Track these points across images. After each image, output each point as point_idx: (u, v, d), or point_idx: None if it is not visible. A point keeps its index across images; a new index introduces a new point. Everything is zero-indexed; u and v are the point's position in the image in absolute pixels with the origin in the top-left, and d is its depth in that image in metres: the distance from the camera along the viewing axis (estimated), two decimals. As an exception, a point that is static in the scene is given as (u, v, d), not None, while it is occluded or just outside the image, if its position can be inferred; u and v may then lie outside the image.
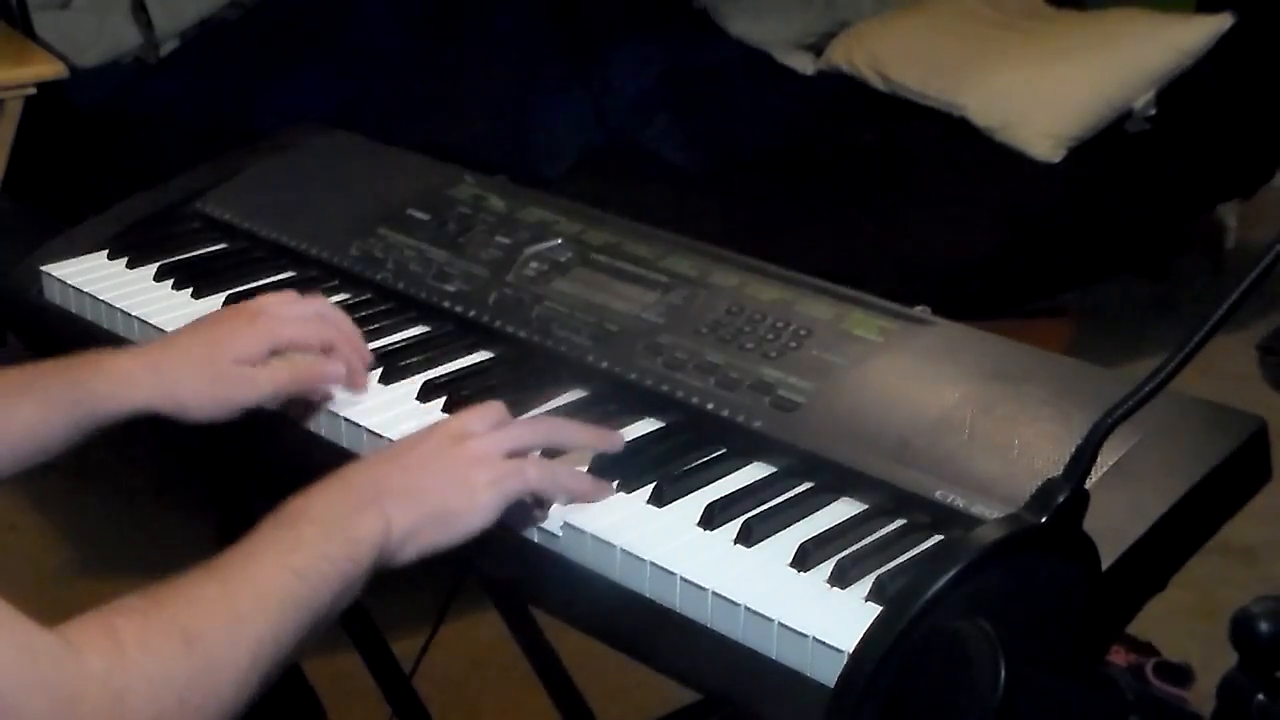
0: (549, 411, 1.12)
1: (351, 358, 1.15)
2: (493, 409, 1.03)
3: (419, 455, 0.98)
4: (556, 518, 0.99)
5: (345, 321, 1.18)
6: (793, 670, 0.86)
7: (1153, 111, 3.31)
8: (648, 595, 0.94)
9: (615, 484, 1.02)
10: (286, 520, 0.91)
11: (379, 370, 1.19)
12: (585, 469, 1.03)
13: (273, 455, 1.19)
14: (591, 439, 1.04)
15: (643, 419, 1.12)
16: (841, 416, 1.04)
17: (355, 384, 1.15)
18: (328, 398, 1.14)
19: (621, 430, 1.09)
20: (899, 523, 0.97)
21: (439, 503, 0.95)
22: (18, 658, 0.76)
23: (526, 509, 0.99)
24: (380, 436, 1.10)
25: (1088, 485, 0.83)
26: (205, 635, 0.83)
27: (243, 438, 1.14)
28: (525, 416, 1.08)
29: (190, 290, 1.35)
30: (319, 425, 1.14)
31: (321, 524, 0.91)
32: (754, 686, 0.88)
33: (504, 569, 1.03)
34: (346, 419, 1.12)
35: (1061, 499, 0.82)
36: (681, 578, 0.92)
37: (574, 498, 1.00)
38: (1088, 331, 3.23)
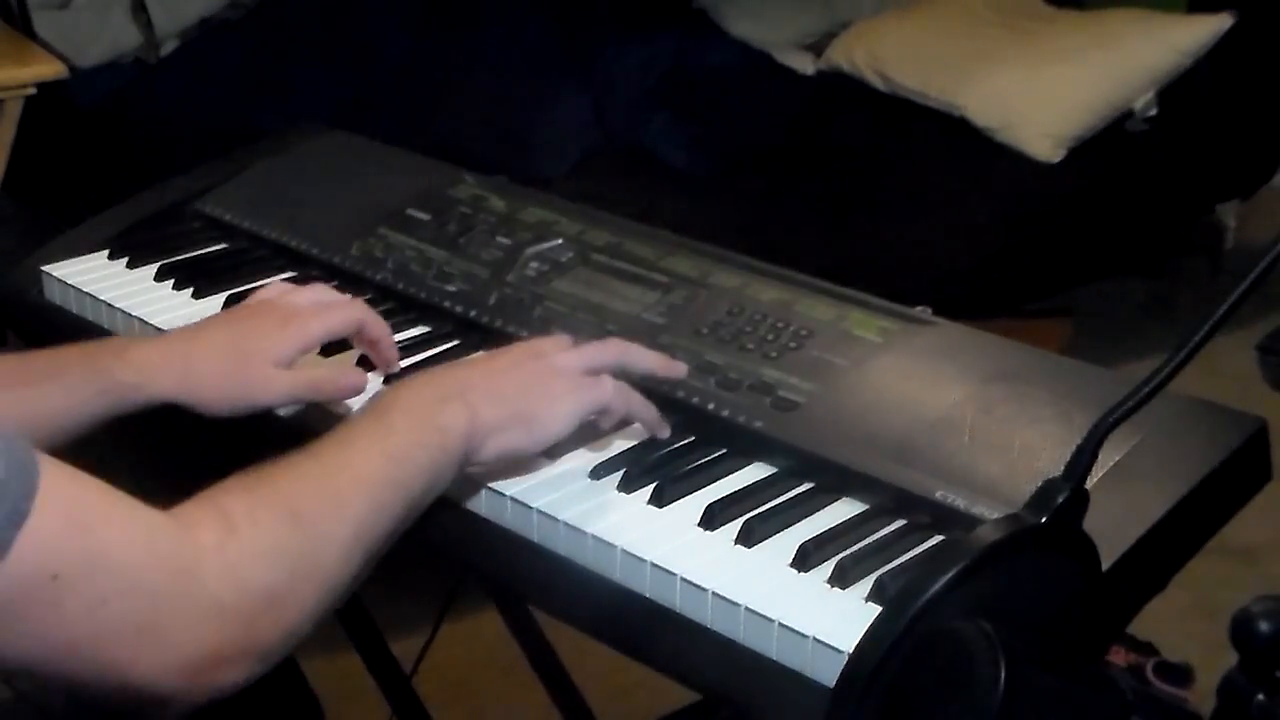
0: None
1: (385, 331, 1.17)
2: (561, 339, 1.08)
3: (502, 362, 1.03)
4: (556, 517, 0.99)
5: (367, 310, 1.18)
6: (793, 670, 0.86)
7: (1153, 111, 3.31)
8: (648, 595, 0.94)
9: (619, 476, 1.04)
10: (378, 411, 0.96)
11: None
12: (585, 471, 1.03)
13: (273, 456, 1.19)
14: (660, 365, 1.09)
15: (643, 419, 1.12)
16: (842, 417, 1.04)
17: (391, 362, 1.17)
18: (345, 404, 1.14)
19: (621, 431, 1.09)
20: (899, 523, 0.97)
21: (521, 404, 1.00)
22: (137, 535, 0.80)
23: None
24: (380, 436, 1.10)
25: (1088, 485, 0.83)
26: (310, 512, 0.87)
27: (248, 438, 1.14)
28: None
29: (190, 290, 1.35)
30: (319, 425, 1.14)
31: (411, 413, 0.95)
32: (754, 686, 0.88)
33: (504, 569, 1.03)
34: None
35: (1061, 499, 0.82)
36: (682, 578, 0.92)
37: (644, 423, 1.06)
38: (1088, 331, 3.23)
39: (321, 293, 1.19)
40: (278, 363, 1.10)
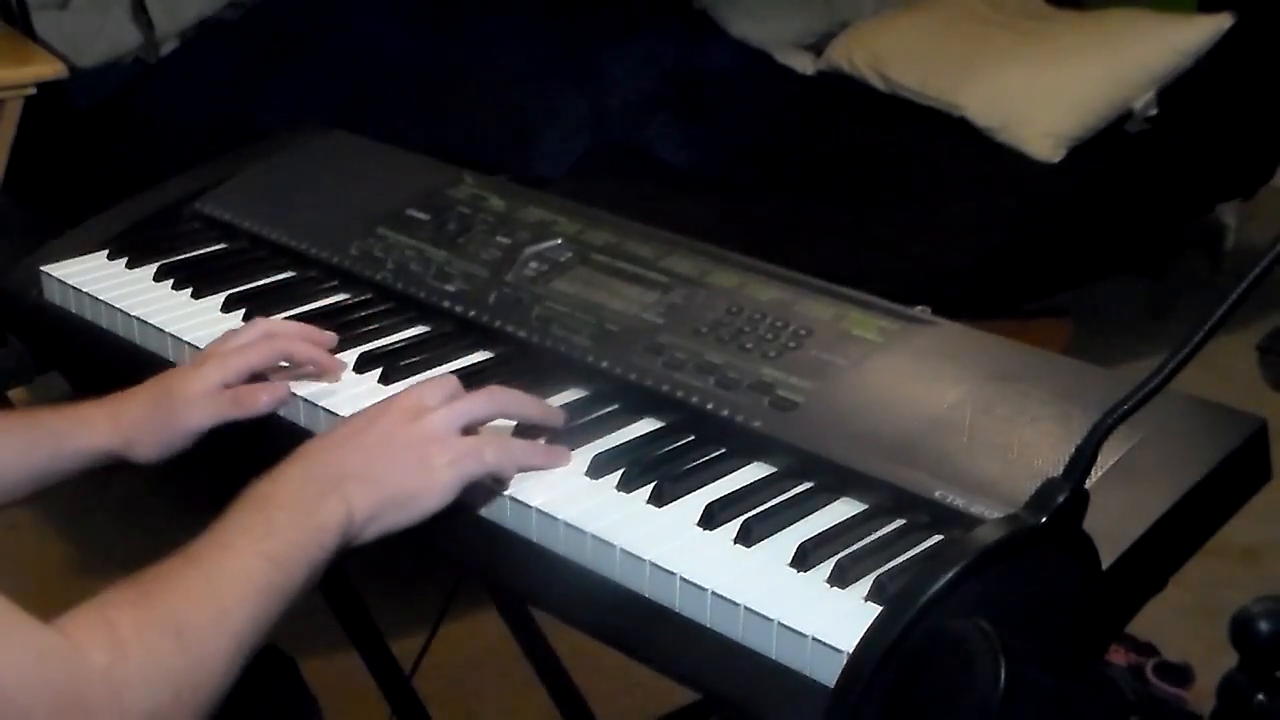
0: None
1: (314, 353, 1.17)
2: (447, 382, 1.05)
3: (377, 435, 1.00)
4: (556, 517, 0.99)
5: (292, 326, 1.20)
6: (792, 670, 0.86)
7: (1153, 111, 3.31)
8: (647, 595, 0.94)
9: (572, 451, 1.05)
10: (256, 504, 0.94)
11: (379, 370, 1.19)
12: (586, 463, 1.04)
13: (274, 456, 1.19)
14: (538, 413, 1.07)
15: (642, 419, 1.12)
16: (841, 416, 1.04)
17: (330, 372, 1.17)
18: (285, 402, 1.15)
19: (621, 430, 1.09)
20: (899, 523, 0.97)
21: (398, 485, 0.98)
22: (24, 657, 0.78)
23: (485, 488, 1.01)
24: (380, 436, 1.10)
25: (1088, 485, 0.83)
26: (194, 628, 0.86)
27: (242, 438, 1.14)
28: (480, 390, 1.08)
29: (190, 290, 1.35)
30: (318, 425, 1.14)
31: (289, 510, 0.94)
32: (754, 686, 0.88)
33: (504, 569, 1.03)
34: (346, 419, 1.12)
35: (1061, 499, 0.82)
36: (681, 578, 0.92)
37: (532, 469, 1.02)
38: (1087, 331, 3.23)
39: (244, 333, 1.19)
40: (196, 397, 1.12)
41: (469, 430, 1.03)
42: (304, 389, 1.16)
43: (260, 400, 1.13)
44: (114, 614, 0.83)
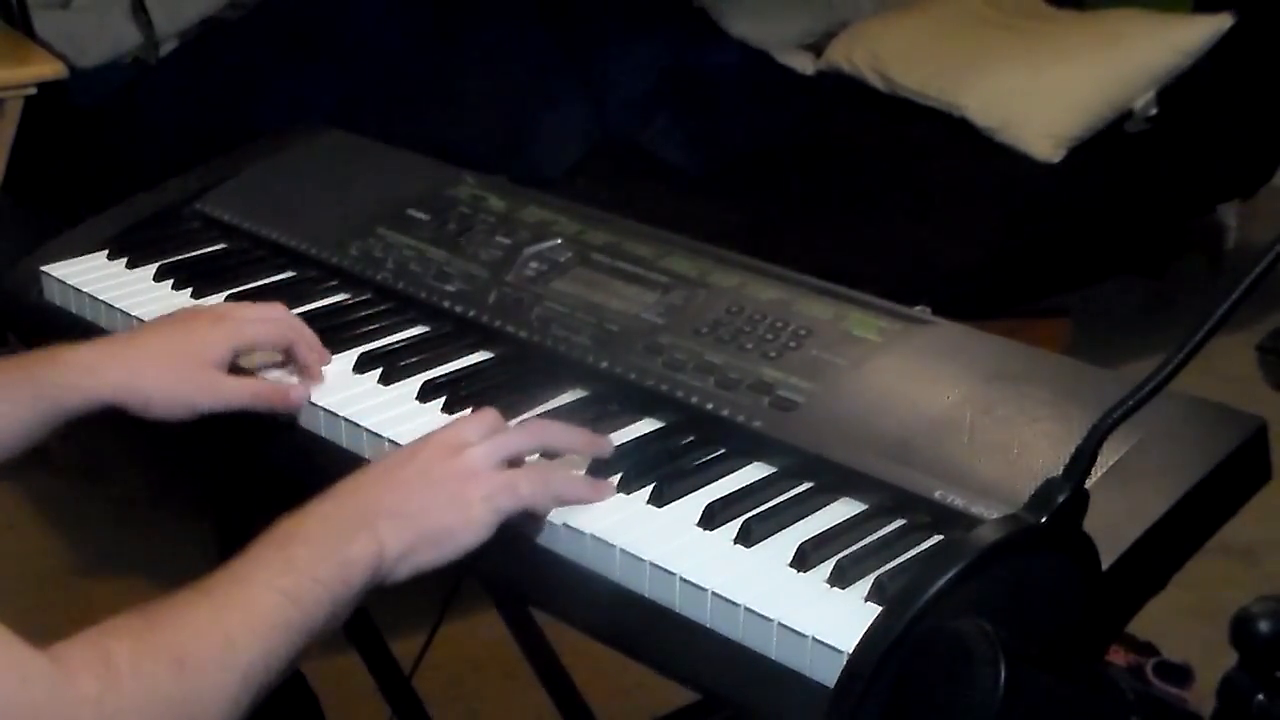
0: (548, 412, 1.12)
1: (309, 356, 1.18)
2: (487, 416, 1.02)
3: (413, 471, 0.97)
4: (556, 517, 0.99)
5: (303, 326, 1.20)
6: (792, 670, 0.86)
7: (1153, 111, 3.31)
8: (647, 595, 0.94)
9: (616, 479, 1.02)
10: (278, 541, 0.91)
11: (379, 370, 1.19)
12: (582, 469, 1.03)
13: (272, 456, 1.20)
14: (582, 444, 1.04)
15: (642, 419, 1.12)
16: (841, 416, 1.04)
17: (313, 379, 1.17)
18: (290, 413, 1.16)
19: (621, 430, 1.09)
20: (899, 523, 0.97)
21: (434, 522, 0.94)
22: (10, 682, 0.76)
23: (523, 517, 0.99)
24: (380, 437, 1.10)
25: (1088, 485, 0.83)
26: (197, 659, 0.82)
27: (241, 438, 1.14)
28: (520, 418, 1.08)
29: (190, 290, 1.35)
30: (318, 426, 1.14)
31: (314, 546, 0.90)
32: (754, 686, 0.88)
33: (504, 569, 1.03)
34: (346, 419, 1.12)
35: (1061, 499, 0.82)
36: (681, 578, 0.92)
37: (570, 503, 0.99)
38: (1087, 331, 3.23)
39: (266, 309, 1.20)
40: (214, 360, 1.12)
41: (513, 464, 1.00)
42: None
43: (286, 405, 1.13)
44: (112, 643, 0.81)
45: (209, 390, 1.11)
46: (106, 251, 1.42)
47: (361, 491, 0.96)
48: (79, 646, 0.80)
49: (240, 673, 0.84)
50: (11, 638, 0.77)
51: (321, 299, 1.33)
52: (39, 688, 0.77)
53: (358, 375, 1.19)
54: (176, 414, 1.11)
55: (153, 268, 1.38)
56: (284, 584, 0.88)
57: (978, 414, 1.01)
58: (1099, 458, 0.83)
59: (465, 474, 0.96)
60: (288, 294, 1.33)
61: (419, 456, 0.98)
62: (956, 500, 0.94)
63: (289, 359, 1.19)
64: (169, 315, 1.19)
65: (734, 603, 0.89)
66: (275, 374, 1.19)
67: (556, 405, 1.14)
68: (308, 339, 1.19)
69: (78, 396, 1.09)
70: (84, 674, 0.78)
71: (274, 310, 1.21)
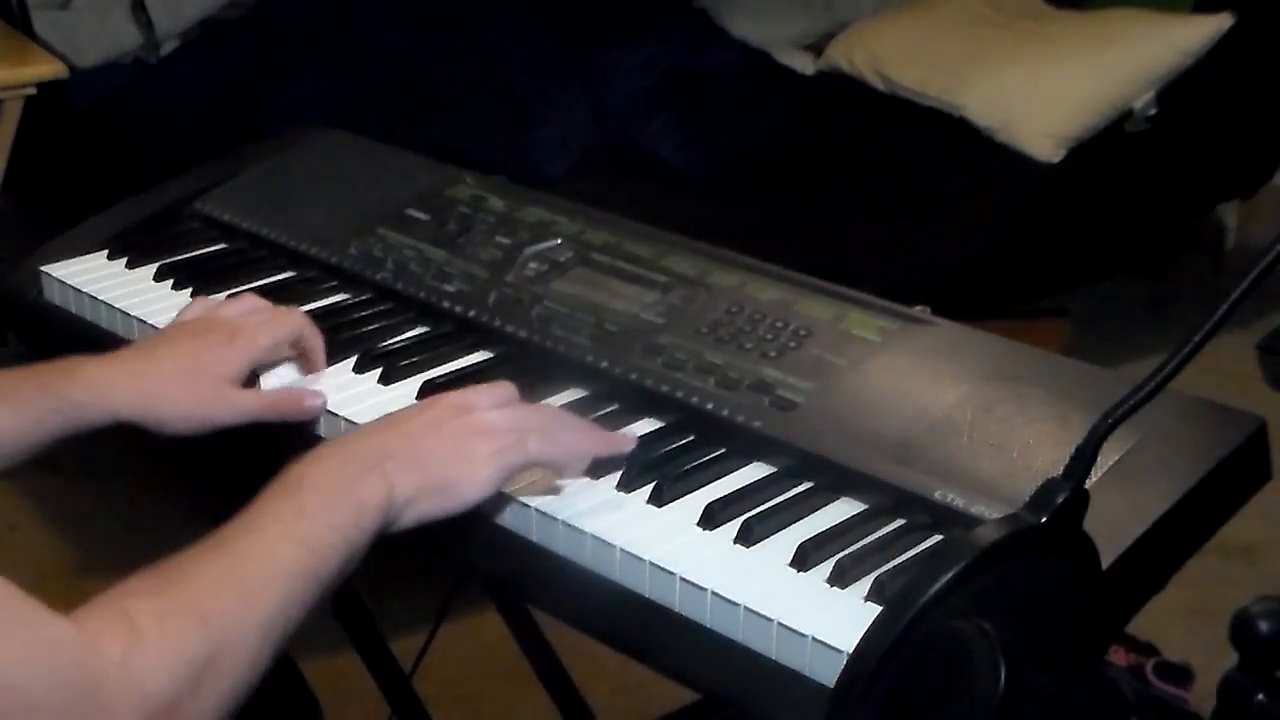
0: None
1: (317, 346, 1.18)
2: (502, 388, 1.04)
3: (422, 423, 0.98)
4: (557, 515, 0.99)
5: (309, 323, 1.20)
6: (792, 670, 0.86)
7: (1153, 111, 3.31)
8: (647, 595, 0.94)
9: (626, 434, 1.03)
10: (288, 488, 0.92)
11: (379, 370, 1.19)
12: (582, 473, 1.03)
13: (273, 456, 1.19)
14: (600, 447, 1.04)
15: (642, 419, 1.12)
16: (841, 416, 1.04)
17: (317, 369, 1.18)
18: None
19: (621, 430, 1.09)
20: (899, 523, 0.97)
21: (440, 470, 0.96)
22: (35, 650, 0.76)
23: (522, 511, 0.99)
24: (380, 436, 1.10)
25: (1088, 485, 0.83)
26: (218, 614, 0.83)
27: (244, 439, 1.14)
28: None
29: (190, 290, 1.35)
30: (318, 426, 1.14)
31: (324, 491, 0.91)
32: (753, 686, 0.88)
33: (504, 569, 1.03)
34: (347, 419, 1.12)
35: (1061, 499, 0.82)
36: (681, 578, 0.92)
37: (581, 458, 1.01)
38: (1087, 331, 3.23)
39: (252, 303, 1.20)
40: (232, 379, 1.12)
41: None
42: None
43: (303, 412, 1.13)
44: (131, 604, 0.81)
45: (225, 407, 1.11)
46: (106, 251, 1.42)
47: (369, 437, 0.98)
48: (100, 610, 0.81)
49: (261, 625, 0.85)
50: (35, 607, 0.77)
51: (321, 299, 1.33)
52: (64, 655, 0.77)
53: (358, 375, 1.19)
54: (191, 431, 1.11)
55: (153, 268, 1.38)
56: (298, 532, 0.89)
57: (977, 414, 1.01)
58: (1099, 458, 0.83)
59: (473, 430, 0.98)
60: (288, 294, 1.33)
61: (428, 411, 1.00)
62: (956, 500, 0.94)
63: (297, 351, 1.19)
64: (181, 327, 1.18)
65: (734, 602, 0.89)
66: (284, 371, 1.19)
67: (558, 405, 1.13)
68: (310, 330, 1.18)
69: (91, 414, 1.09)
70: (107, 637, 0.79)
71: (273, 309, 1.20)
